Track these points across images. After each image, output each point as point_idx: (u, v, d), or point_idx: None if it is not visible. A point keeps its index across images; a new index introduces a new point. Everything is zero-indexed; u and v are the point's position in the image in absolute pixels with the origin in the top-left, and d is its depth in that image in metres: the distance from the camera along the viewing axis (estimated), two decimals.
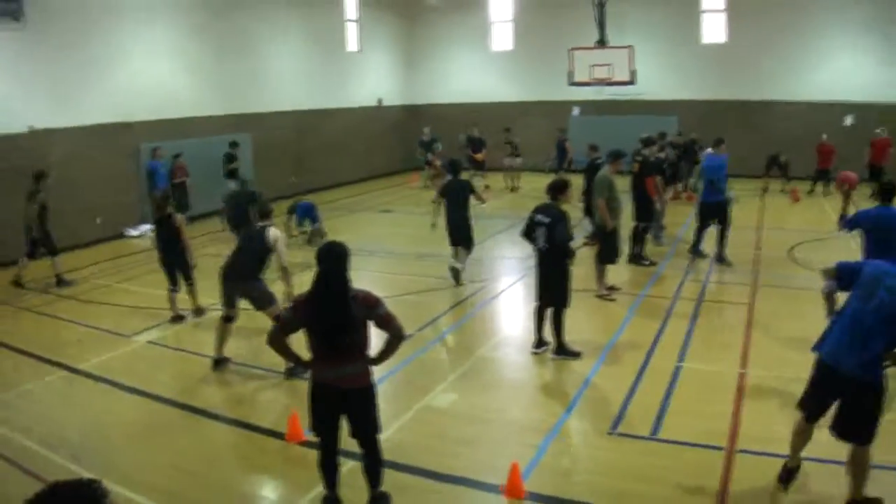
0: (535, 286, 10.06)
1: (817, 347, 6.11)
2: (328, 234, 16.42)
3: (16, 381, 9.48)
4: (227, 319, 9.74)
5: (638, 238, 14.64)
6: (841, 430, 5.90)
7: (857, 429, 5.83)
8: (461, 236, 13.63)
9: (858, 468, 5.87)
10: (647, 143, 15.56)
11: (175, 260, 11.77)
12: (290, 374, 9.23)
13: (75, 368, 9.88)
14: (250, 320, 10.45)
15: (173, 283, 11.86)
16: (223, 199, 17.30)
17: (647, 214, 14.64)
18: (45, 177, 14.12)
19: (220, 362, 9.77)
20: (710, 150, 15.52)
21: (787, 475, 6.32)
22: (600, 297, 12.42)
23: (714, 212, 14.20)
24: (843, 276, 6.20)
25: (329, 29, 27.79)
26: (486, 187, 24.35)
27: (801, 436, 6.25)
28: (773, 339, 10.13)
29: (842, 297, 6.20)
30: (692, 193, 21.42)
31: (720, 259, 14.33)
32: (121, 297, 13.30)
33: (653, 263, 14.45)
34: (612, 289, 12.66)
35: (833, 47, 25.14)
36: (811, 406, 6.14)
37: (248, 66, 23.40)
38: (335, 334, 5.64)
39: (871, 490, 5.94)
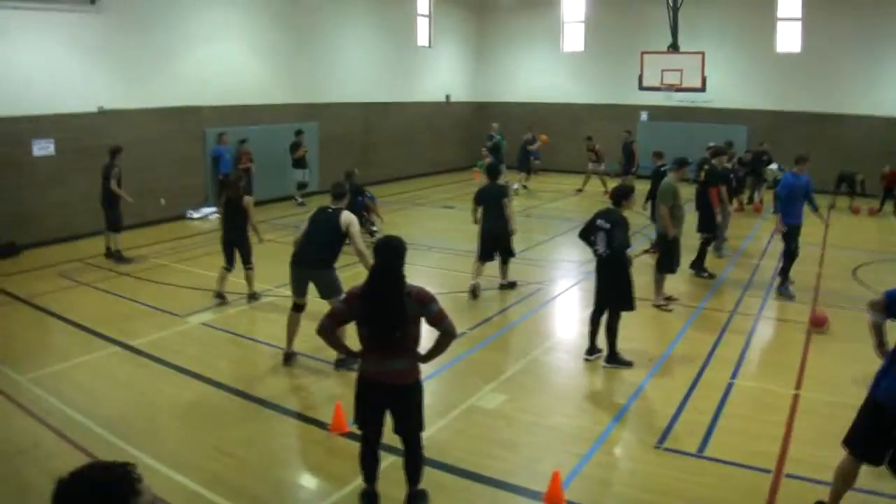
0: (594, 291, 9.96)
1: (873, 391, 5.67)
2: (383, 227, 16.44)
3: (70, 354, 9.70)
4: (297, 308, 9.57)
5: (701, 249, 14.39)
6: None
7: None
8: (501, 247, 12.91)
9: None
10: (717, 153, 15.25)
11: (237, 240, 11.89)
12: (340, 364, 9.22)
13: (128, 345, 10.06)
14: (310, 309, 10.49)
15: (229, 262, 11.98)
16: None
17: (709, 225, 14.33)
18: (119, 152, 14.50)
19: (290, 357, 9.58)
20: (778, 166, 14.98)
21: None
22: (657, 306, 12.24)
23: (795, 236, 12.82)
24: (892, 305, 5.75)
25: (400, 22, 27.90)
26: (522, 188, 24.94)
27: (846, 478, 5.83)
28: (831, 361, 9.87)
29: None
30: (758, 204, 21.18)
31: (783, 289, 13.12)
32: (178, 278, 13.51)
33: (711, 276, 14.19)
34: (669, 299, 12.47)
35: None
36: (865, 448, 5.70)
37: (317, 56, 23.62)
38: (387, 329, 5.61)
39: None
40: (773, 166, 22.20)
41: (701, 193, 14.46)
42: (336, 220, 9.17)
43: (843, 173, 22.90)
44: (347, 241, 9.19)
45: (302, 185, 21.93)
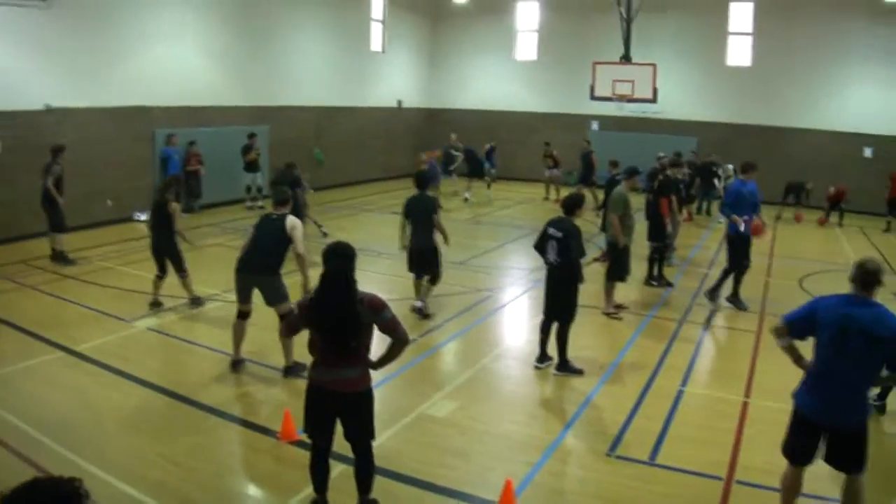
0: (543, 300, 9.96)
1: (796, 397, 5.98)
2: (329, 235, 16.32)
3: (12, 359, 9.42)
4: (242, 315, 9.45)
5: (652, 259, 14.49)
6: (832, 462, 5.77)
7: (848, 461, 5.72)
8: (425, 265, 12.02)
9: (853, 498, 5.77)
10: (674, 164, 15.48)
11: (164, 248, 11.67)
12: (289, 372, 9.11)
13: (73, 350, 9.82)
14: (256, 315, 10.33)
15: (161, 269, 11.76)
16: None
17: (660, 235, 14.41)
18: (62, 151, 14.18)
19: (238, 363, 9.45)
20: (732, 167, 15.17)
21: None
22: (607, 314, 12.29)
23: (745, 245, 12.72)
24: (795, 329, 5.97)
25: (354, 28, 27.85)
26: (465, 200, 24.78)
27: (791, 485, 5.99)
28: (779, 370, 9.89)
29: None
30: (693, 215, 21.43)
31: (735, 300, 13.10)
32: (124, 281, 13.25)
33: (668, 284, 14.35)
34: (619, 307, 12.52)
35: (858, 77, 25.05)
36: (796, 453, 5.93)
37: (270, 59, 23.46)
38: (341, 337, 5.54)
39: None
40: (729, 166, 22.52)
41: (652, 203, 14.56)
42: (282, 225, 9.10)
43: (791, 183, 23.27)
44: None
45: (251, 190, 21.61)
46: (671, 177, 15.01)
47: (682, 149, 21.66)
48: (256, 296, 9.33)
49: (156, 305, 11.73)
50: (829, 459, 5.75)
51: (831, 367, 5.62)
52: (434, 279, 12.00)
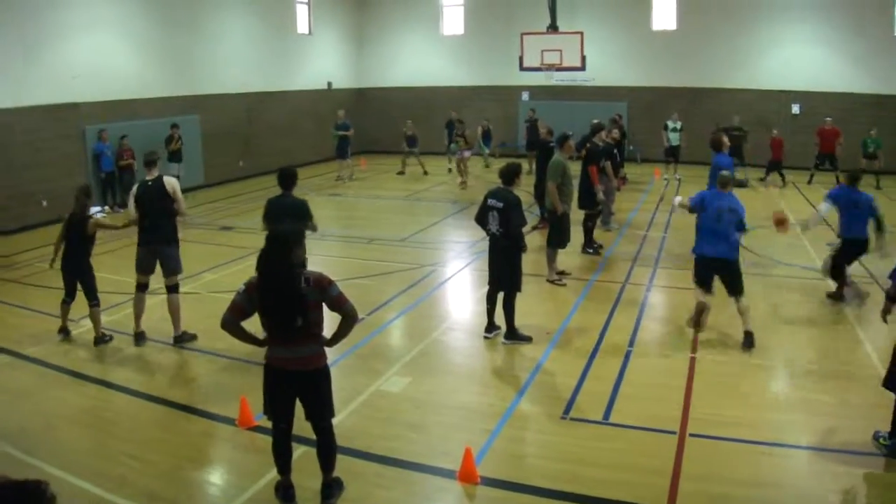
0: (488, 270, 10.07)
1: (695, 250, 9.76)
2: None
3: None
4: (142, 288, 9.85)
5: (586, 226, 14.60)
6: (728, 289, 9.53)
7: (736, 287, 9.46)
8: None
9: (745, 312, 9.48)
10: (595, 130, 15.45)
11: (77, 269, 10.02)
12: (178, 341, 9.83)
13: (20, 353, 9.69)
14: (200, 303, 10.30)
15: (70, 294, 10.20)
16: None
17: (590, 202, 14.51)
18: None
19: (139, 336, 9.92)
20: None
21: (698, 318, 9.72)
22: (551, 281, 12.45)
23: None
24: (695, 207, 9.71)
25: (279, 11, 27.50)
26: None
27: (702, 305, 9.55)
28: (721, 323, 10.22)
29: None
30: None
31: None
32: None
33: (601, 247, 14.60)
34: (562, 273, 12.68)
35: (780, 36, 25.51)
36: (702, 282, 9.62)
37: (196, 48, 23.09)
38: (286, 317, 5.58)
39: None
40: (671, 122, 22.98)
41: (582, 171, 14.67)
42: (162, 187, 9.48)
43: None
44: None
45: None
46: (598, 144, 15.14)
47: (612, 114, 21.79)
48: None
49: (64, 333, 10.33)
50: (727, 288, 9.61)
51: (715, 228, 9.41)
52: None
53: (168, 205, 9.45)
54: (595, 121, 16.10)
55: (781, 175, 22.35)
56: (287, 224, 5.74)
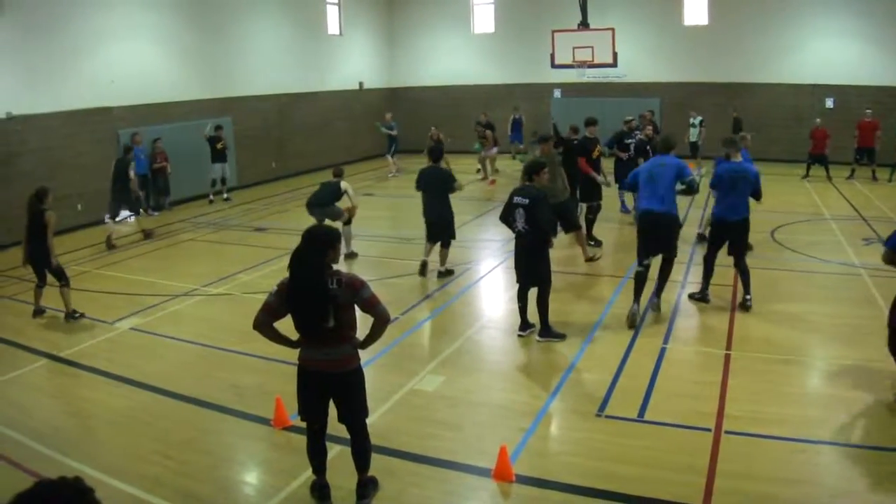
0: (515, 269, 10.06)
1: (637, 209, 11.02)
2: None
3: None
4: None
5: (587, 219, 14.75)
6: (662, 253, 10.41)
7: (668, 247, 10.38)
8: (439, 231, 12.88)
9: (665, 274, 10.59)
10: (587, 123, 15.22)
11: (41, 257, 11.20)
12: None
13: (57, 356, 9.79)
14: (234, 304, 10.35)
15: (41, 279, 11.40)
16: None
17: (588, 195, 14.76)
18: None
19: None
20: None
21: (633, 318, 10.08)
22: (589, 260, 13.09)
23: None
24: (633, 185, 10.62)
25: (310, 12, 27.62)
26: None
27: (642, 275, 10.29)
28: (758, 320, 10.14)
29: None
30: None
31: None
32: (102, 283, 13.18)
33: (599, 242, 14.74)
34: (595, 243, 13.98)
35: (815, 29, 25.21)
36: (644, 250, 10.32)
37: (228, 50, 23.26)
38: (314, 318, 5.57)
39: None
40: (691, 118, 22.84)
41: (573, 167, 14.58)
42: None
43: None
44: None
45: (216, 183, 21.38)
46: (576, 139, 15.23)
47: (645, 111, 21.65)
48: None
49: (39, 313, 11.49)
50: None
51: (653, 189, 10.17)
52: (448, 243, 12.96)
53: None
54: (629, 117, 16.13)
55: (826, 169, 21.91)
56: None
